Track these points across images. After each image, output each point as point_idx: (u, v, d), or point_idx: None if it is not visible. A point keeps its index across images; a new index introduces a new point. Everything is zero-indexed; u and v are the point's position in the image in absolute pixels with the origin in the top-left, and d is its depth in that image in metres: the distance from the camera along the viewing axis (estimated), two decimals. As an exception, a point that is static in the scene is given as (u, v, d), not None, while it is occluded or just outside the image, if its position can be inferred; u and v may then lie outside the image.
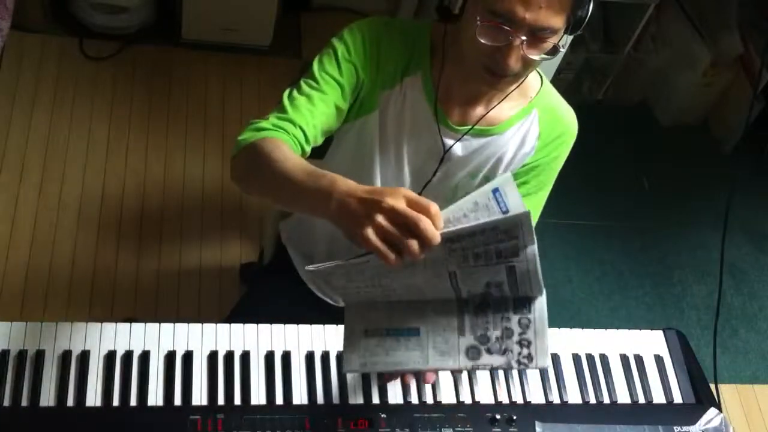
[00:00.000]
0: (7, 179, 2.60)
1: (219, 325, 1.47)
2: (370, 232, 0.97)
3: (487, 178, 1.50)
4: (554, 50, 1.25)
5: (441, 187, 1.51)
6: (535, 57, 1.25)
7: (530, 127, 1.45)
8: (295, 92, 1.36)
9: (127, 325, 1.44)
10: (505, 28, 1.21)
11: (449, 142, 1.44)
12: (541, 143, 1.47)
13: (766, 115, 3.26)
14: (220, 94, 2.98)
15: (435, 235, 0.97)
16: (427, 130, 1.43)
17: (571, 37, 1.32)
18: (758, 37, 3.13)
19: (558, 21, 1.22)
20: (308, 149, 1.33)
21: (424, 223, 0.96)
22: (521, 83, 1.38)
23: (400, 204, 0.97)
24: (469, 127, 1.42)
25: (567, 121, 1.49)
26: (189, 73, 3.01)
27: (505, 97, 1.40)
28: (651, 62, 3.31)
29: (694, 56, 3.20)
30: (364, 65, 1.38)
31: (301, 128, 1.31)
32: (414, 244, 0.97)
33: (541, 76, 1.47)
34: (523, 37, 1.22)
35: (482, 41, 1.23)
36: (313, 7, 3.28)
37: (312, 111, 1.33)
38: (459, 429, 1.41)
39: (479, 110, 1.42)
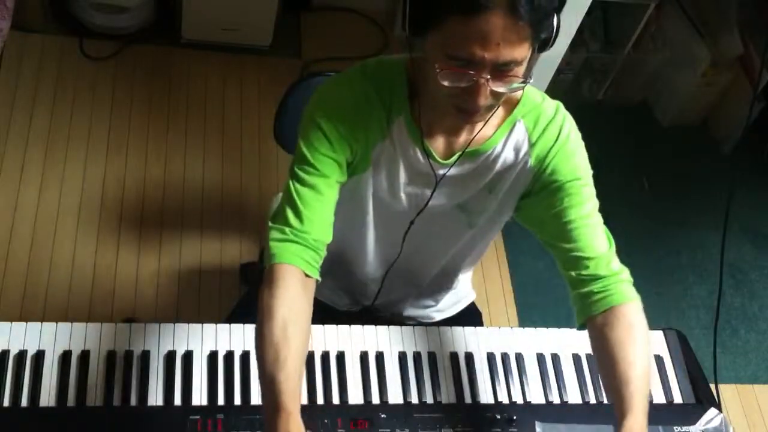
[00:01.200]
0: (7, 179, 2.60)
1: (219, 325, 1.47)
2: None
3: (490, 189, 1.48)
4: (523, 81, 1.22)
5: (441, 209, 1.50)
6: (503, 90, 1.22)
7: (519, 136, 1.41)
8: (299, 186, 1.34)
9: (127, 325, 1.44)
10: (468, 71, 1.18)
11: (441, 173, 1.42)
12: (531, 146, 1.41)
13: (766, 115, 3.26)
14: (220, 94, 2.98)
15: None
16: (418, 166, 1.41)
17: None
18: (758, 37, 3.13)
19: (520, 52, 1.18)
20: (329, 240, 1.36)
21: None
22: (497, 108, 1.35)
23: None
24: (457, 157, 1.40)
25: (552, 117, 1.42)
26: (189, 73, 3.01)
27: (486, 122, 1.36)
28: (651, 62, 3.31)
29: (694, 56, 3.20)
30: (352, 134, 1.36)
31: (320, 226, 1.34)
32: None
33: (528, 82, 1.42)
34: (487, 76, 1.18)
35: (446, 84, 1.20)
36: (313, 7, 3.28)
37: (322, 201, 1.34)
38: (459, 429, 1.41)
39: (464, 137, 1.39)
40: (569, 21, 2.21)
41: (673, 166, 3.30)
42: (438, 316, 1.81)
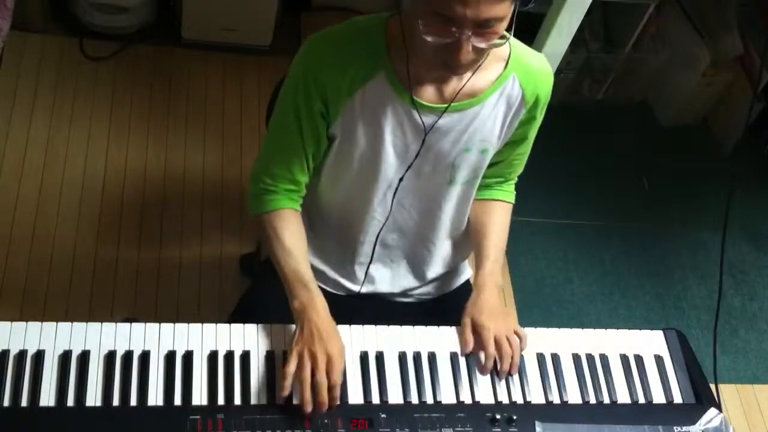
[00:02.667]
0: (7, 179, 2.60)
1: (219, 325, 1.47)
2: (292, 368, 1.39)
3: (484, 150, 1.52)
4: (502, 37, 1.29)
5: (430, 166, 1.53)
6: (484, 45, 1.27)
7: (512, 90, 1.47)
8: (278, 141, 1.52)
9: (127, 325, 1.44)
10: (450, 28, 1.24)
11: (429, 121, 1.45)
12: (527, 100, 1.50)
13: (766, 115, 3.26)
14: (220, 94, 2.98)
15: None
16: (406, 119, 1.45)
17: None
18: (758, 37, 3.13)
19: (500, 9, 1.24)
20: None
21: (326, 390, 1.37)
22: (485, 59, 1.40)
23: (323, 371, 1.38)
24: (447, 105, 1.43)
25: (544, 72, 1.52)
26: (189, 73, 3.01)
27: (476, 69, 1.41)
28: (651, 62, 3.31)
29: (694, 56, 3.20)
30: (321, 98, 1.44)
31: (302, 176, 1.55)
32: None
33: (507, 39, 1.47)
34: (469, 33, 1.24)
35: (429, 40, 1.26)
36: (313, 7, 3.28)
37: (301, 156, 1.51)
38: (459, 429, 1.41)
39: (453, 85, 1.44)
40: (569, 21, 2.21)
41: (673, 166, 3.30)
42: (435, 293, 1.81)
